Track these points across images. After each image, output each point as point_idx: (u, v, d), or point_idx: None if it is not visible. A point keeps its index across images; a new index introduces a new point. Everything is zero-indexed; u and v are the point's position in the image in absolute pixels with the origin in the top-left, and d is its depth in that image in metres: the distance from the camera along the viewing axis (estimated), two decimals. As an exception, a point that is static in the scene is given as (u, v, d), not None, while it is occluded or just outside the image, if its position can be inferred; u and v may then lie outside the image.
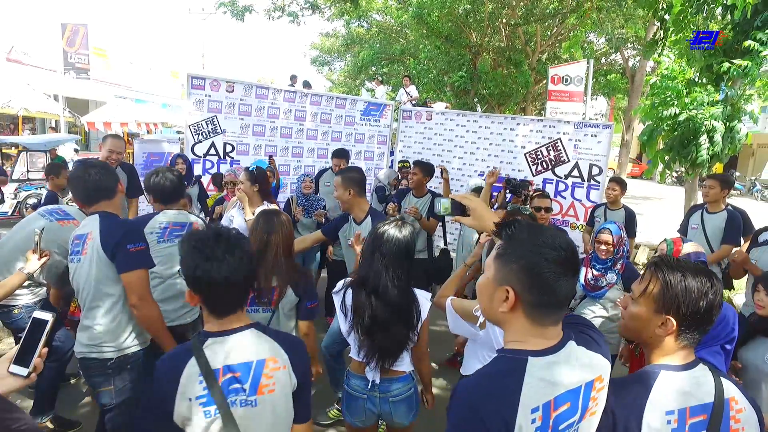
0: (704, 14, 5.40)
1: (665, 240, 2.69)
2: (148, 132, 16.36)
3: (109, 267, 2.08)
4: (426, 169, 4.55)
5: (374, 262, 1.96)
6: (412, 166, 4.73)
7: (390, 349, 1.97)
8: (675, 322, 1.17)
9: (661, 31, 5.94)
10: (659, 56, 6.23)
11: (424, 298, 2.07)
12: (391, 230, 1.98)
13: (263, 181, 3.50)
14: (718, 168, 6.81)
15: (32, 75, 16.72)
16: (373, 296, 1.94)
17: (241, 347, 1.36)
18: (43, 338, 1.15)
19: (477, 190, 4.55)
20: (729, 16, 5.33)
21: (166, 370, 1.35)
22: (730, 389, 1.21)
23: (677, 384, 1.18)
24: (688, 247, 2.56)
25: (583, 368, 1.07)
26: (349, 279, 2.09)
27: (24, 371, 1.12)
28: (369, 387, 2.05)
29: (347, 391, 2.13)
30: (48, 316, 1.16)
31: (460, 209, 1.54)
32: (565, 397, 1.03)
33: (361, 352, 2.01)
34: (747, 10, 4.79)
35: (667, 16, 5.85)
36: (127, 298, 2.11)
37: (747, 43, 5.23)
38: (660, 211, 13.19)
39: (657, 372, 1.19)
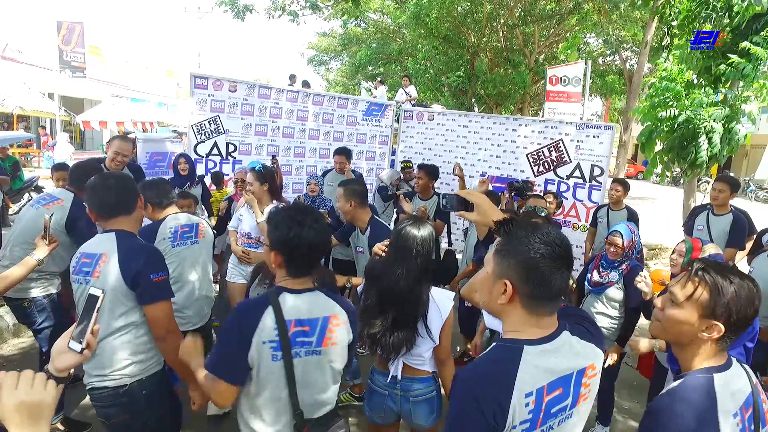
0: (712, 22, 5.42)
1: (684, 241, 2.72)
2: (143, 131, 16.27)
3: (126, 295, 1.90)
4: (431, 172, 4.58)
5: (389, 257, 2.01)
6: (416, 170, 4.73)
7: (389, 343, 1.98)
8: (723, 327, 1.18)
9: (668, 37, 5.98)
10: (665, 61, 6.24)
11: (445, 297, 2.05)
12: (409, 227, 2.01)
13: (272, 179, 3.51)
14: (713, 169, 6.86)
15: (27, 73, 16.58)
16: (373, 285, 1.98)
17: (310, 305, 1.61)
18: (95, 315, 1.13)
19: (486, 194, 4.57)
20: (728, 19, 5.38)
21: (247, 316, 1.54)
22: (752, 375, 1.29)
23: (730, 385, 1.21)
24: (709, 249, 2.61)
25: (576, 356, 1.14)
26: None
27: (78, 347, 1.12)
28: (391, 384, 2.06)
29: (370, 386, 2.15)
30: (99, 292, 1.15)
31: (464, 205, 1.58)
32: (558, 382, 1.10)
33: (372, 346, 2.03)
34: (746, 18, 4.83)
35: (674, 22, 5.88)
36: (141, 326, 1.96)
37: (743, 44, 5.29)
38: (655, 211, 13.30)
39: (711, 377, 1.20)
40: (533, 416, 1.07)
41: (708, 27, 5.63)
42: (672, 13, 5.95)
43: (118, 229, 1.98)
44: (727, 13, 5.28)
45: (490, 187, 5.89)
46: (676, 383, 1.24)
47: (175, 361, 1.98)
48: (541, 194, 5.00)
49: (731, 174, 5.69)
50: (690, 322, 1.21)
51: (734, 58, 5.22)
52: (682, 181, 20.96)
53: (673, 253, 2.79)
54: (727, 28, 5.59)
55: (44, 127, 18.55)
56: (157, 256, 2.03)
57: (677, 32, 5.93)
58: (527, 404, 1.06)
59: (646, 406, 1.28)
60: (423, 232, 2.01)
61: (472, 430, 1.05)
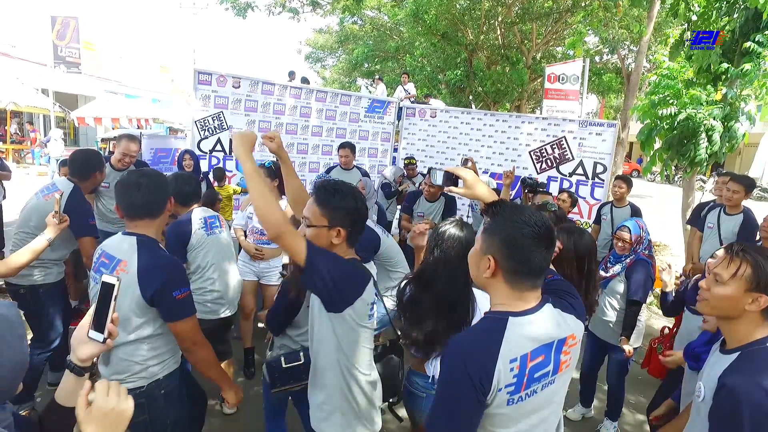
0: (734, 16, 5.42)
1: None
2: (138, 127, 16.14)
3: (142, 309, 1.84)
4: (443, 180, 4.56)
5: (432, 259, 1.97)
6: (427, 177, 4.70)
7: (434, 342, 1.97)
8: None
9: (689, 32, 5.99)
10: (681, 56, 6.17)
11: (484, 296, 2.00)
12: (452, 229, 2.00)
13: (280, 177, 3.52)
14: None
15: (21, 68, 16.38)
16: (425, 290, 1.95)
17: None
18: (112, 303, 1.12)
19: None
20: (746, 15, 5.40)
21: (357, 282, 1.67)
22: None
23: None
24: None
25: (557, 327, 1.24)
26: (408, 277, 2.09)
27: (100, 337, 1.12)
28: (429, 385, 2.05)
29: (407, 388, 2.14)
30: (114, 280, 1.13)
31: (452, 181, 1.65)
32: (540, 350, 1.20)
33: (413, 348, 2.01)
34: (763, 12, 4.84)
35: (694, 17, 5.88)
36: (156, 335, 1.91)
37: (747, 44, 5.34)
38: (651, 209, 13.40)
39: None
40: (518, 380, 1.17)
41: (726, 21, 5.63)
42: (690, 9, 5.93)
43: (141, 234, 1.91)
44: (745, 8, 5.28)
45: (494, 184, 5.93)
46: (734, 359, 1.37)
47: (206, 368, 1.99)
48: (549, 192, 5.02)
49: (724, 171, 5.74)
50: (736, 297, 1.39)
51: (747, 66, 5.25)
52: (676, 179, 21.17)
53: (712, 257, 2.79)
54: (732, 26, 5.59)
55: (31, 123, 18.34)
56: (178, 271, 1.96)
57: (695, 28, 5.91)
58: (512, 369, 1.16)
59: (718, 383, 1.36)
60: (466, 232, 2.00)
61: (460, 391, 1.14)
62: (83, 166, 3.04)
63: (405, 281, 2.07)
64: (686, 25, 6.05)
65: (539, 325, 1.21)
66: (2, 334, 1.00)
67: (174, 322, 1.87)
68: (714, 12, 5.64)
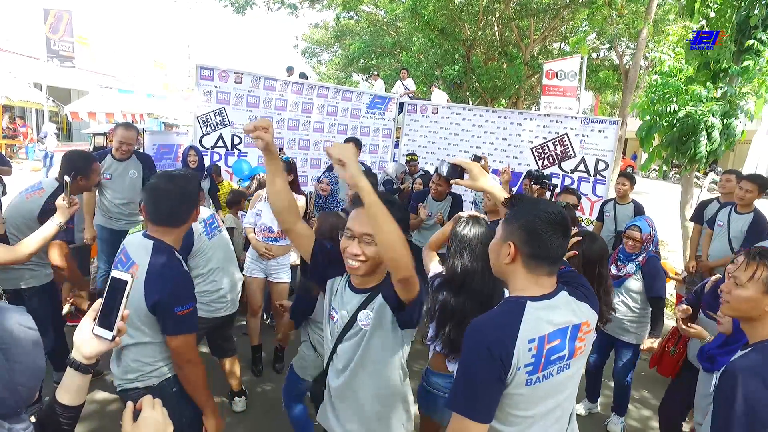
0: (756, 11, 5.40)
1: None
2: (133, 122, 15.98)
3: (147, 314, 1.81)
4: (449, 180, 4.53)
5: (463, 259, 1.96)
6: (434, 176, 4.65)
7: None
8: None
9: (707, 28, 5.98)
10: (690, 52, 6.14)
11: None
12: (472, 228, 2.01)
13: (295, 171, 3.51)
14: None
15: (13, 62, 16.15)
16: (461, 290, 1.94)
17: None
18: (124, 300, 1.09)
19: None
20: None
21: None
22: None
23: None
24: None
25: (572, 313, 1.31)
26: (437, 279, 2.08)
27: (109, 334, 1.09)
28: (448, 384, 2.04)
29: (425, 387, 2.14)
30: (127, 277, 1.10)
31: (459, 174, 1.71)
32: (556, 334, 1.27)
33: (442, 347, 2.00)
34: None
35: (712, 14, 5.86)
36: (164, 340, 1.89)
37: (749, 42, 5.36)
38: (649, 206, 13.47)
39: None
40: (535, 360, 1.23)
41: (729, 20, 5.62)
42: (709, 6, 5.92)
43: (158, 240, 1.86)
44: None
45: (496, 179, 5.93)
46: (748, 350, 1.45)
47: (193, 389, 1.93)
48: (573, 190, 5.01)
49: (718, 168, 5.77)
50: (754, 298, 1.48)
51: (749, 63, 5.26)
52: (670, 175, 21.30)
53: (732, 262, 2.80)
54: (753, 21, 5.56)
55: (22, 118, 18.09)
56: (185, 286, 1.89)
57: (710, 26, 5.91)
58: (530, 349, 1.22)
59: (723, 371, 1.42)
60: (486, 227, 2.01)
61: (482, 368, 1.20)
62: (68, 169, 2.94)
63: (436, 286, 2.05)
64: (704, 21, 6.03)
65: (556, 309, 1.28)
66: (19, 341, 0.98)
67: (171, 336, 1.82)
68: (729, 9, 5.63)
